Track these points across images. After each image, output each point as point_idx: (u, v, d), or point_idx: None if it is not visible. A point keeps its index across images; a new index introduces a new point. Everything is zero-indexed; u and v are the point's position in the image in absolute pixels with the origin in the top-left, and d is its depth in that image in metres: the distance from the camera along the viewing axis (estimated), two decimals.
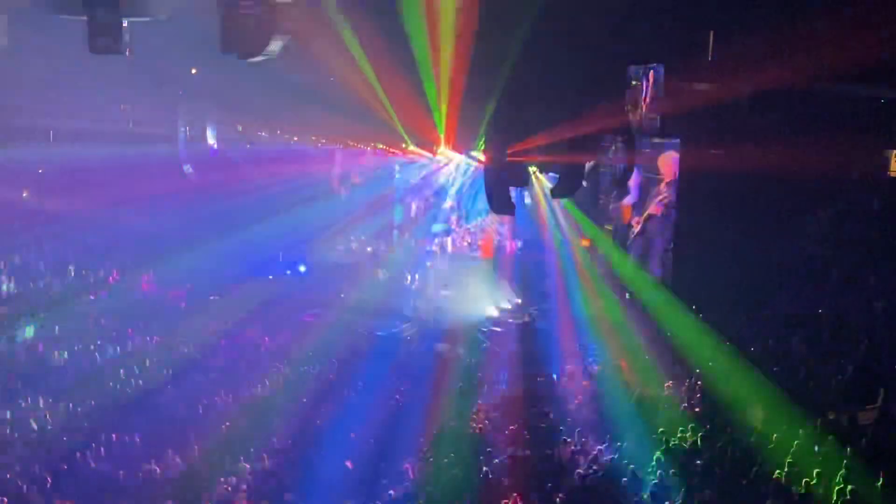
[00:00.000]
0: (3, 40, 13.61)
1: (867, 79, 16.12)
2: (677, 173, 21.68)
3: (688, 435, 15.54)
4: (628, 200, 24.24)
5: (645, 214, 23.44)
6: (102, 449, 16.93)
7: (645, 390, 18.48)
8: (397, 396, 19.63)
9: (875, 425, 14.79)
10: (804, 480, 12.87)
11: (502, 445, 16.27)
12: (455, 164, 27.87)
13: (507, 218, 27.42)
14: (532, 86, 12.61)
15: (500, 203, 14.64)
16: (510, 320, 25.98)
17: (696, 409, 16.96)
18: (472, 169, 27.23)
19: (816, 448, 13.81)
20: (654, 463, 14.40)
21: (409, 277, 29.40)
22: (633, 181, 22.81)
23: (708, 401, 17.08)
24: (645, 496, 13.69)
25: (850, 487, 12.33)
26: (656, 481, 13.79)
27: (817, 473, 12.88)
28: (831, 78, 15.04)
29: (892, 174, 18.57)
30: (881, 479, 12.41)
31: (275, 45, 12.44)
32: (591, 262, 25.93)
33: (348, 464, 15.54)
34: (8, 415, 18.91)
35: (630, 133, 17.79)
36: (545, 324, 25.14)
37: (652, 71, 19.88)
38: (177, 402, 19.62)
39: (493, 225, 29.59)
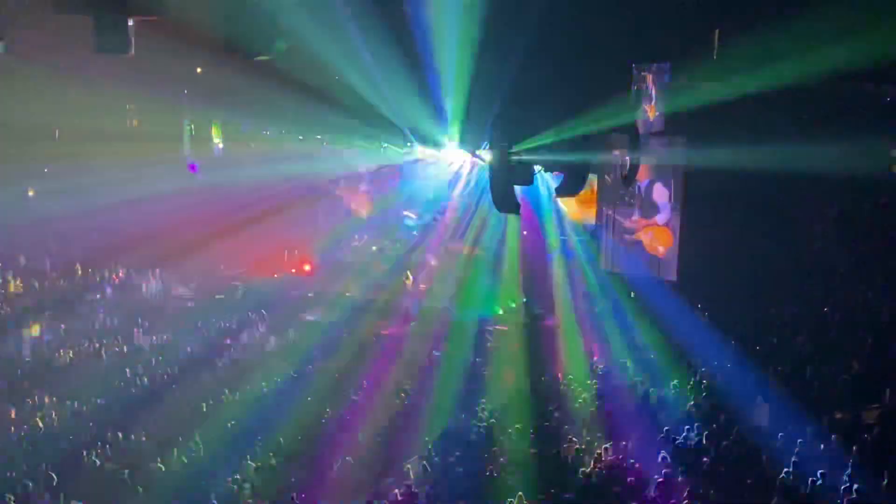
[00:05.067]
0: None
1: (874, 77, 16.11)
2: None
3: (693, 434, 15.53)
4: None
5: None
6: (108, 447, 16.99)
7: (650, 389, 18.47)
8: (402, 395, 19.64)
9: (880, 424, 14.79)
10: (809, 479, 12.86)
11: (506, 444, 16.27)
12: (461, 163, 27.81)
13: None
14: (537, 84, 12.61)
15: (504, 202, 14.64)
16: (515, 319, 25.97)
17: (702, 408, 16.95)
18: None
19: (822, 447, 13.80)
20: (658, 462, 14.40)
21: (408, 276, 29.42)
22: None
23: (713, 400, 17.07)
24: (650, 495, 13.69)
25: (855, 486, 12.32)
26: (661, 480, 13.79)
27: (822, 473, 12.87)
28: (838, 77, 15.02)
29: None
30: (886, 478, 12.41)
31: (280, 45, 12.47)
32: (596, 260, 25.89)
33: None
34: (14, 413, 18.97)
35: (635, 132, 17.78)
36: (550, 322, 25.14)
37: (657, 69, 19.86)
38: (182, 400, 19.65)
39: None
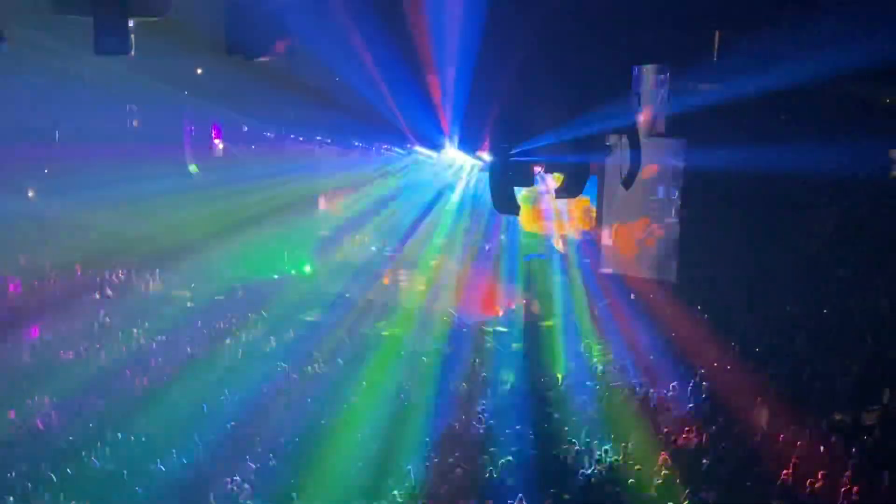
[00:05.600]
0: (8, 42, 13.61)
1: (873, 79, 16.12)
2: None
3: (692, 435, 15.53)
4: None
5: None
6: (108, 448, 17.00)
7: (650, 390, 18.47)
8: (402, 396, 19.64)
9: (880, 425, 14.78)
10: (809, 481, 12.86)
11: (506, 445, 16.27)
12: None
13: None
14: (538, 86, 12.61)
15: (504, 204, 14.65)
16: (514, 320, 25.96)
17: (701, 410, 16.95)
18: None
19: (821, 448, 13.79)
20: (658, 463, 14.40)
21: (403, 276, 29.44)
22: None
23: (713, 401, 17.07)
24: (650, 496, 13.69)
25: (855, 488, 12.32)
26: (661, 482, 13.79)
27: (823, 474, 12.87)
28: (837, 78, 15.03)
29: None
30: (886, 480, 12.41)
31: (280, 46, 12.45)
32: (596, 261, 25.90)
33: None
34: (13, 414, 18.96)
35: (636, 133, 17.80)
36: (550, 323, 25.12)
37: (657, 71, 19.87)
38: (182, 401, 19.65)
39: None
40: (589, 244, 26.80)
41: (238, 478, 15.43)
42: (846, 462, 13.22)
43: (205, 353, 23.35)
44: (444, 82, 15.03)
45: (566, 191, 16.91)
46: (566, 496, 13.90)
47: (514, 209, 15.05)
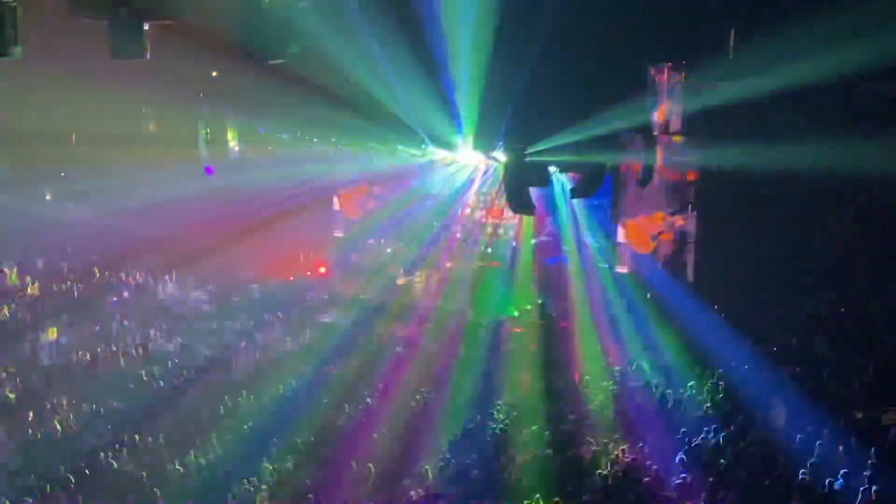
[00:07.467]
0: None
1: (890, 77, 16.01)
2: None
3: (710, 435, 15.45)
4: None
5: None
6: (125, 450, 17.08)
7: (667, 391, 18.39)
8: (417, 397, 19.64)
9: None
10: (828, 481, 12.78)
11: (522, 446, 16.24)
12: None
13: None
14: (552, 85, 12.60)
15: (519, 203, 14.65)
16: (530, 320, 25.91)
17: (719, 410, 16.86)
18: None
19: (840, 448, 13.70)
20: (675, 464, 14.33)
21: (418, 277, 29.46)
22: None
23: (731, 401, 16.97)
24: (667, 497, 13.63)
25: (874, 488, 12.23)
26: (679, 482, 13.72)
27: (844, 472, 12.79)
28: (854, 76, 14.95)
29: None
30: None
31: (295, 48, 12.50)
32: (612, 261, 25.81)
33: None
34: (32, 416, 19.08)
35: (651, 132, 17.75)
36: (566, 324, 25.06)
37: (672, 69, 19.79)
38: (199, 402, 19.72)
39: None
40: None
41: (255, 478, 15.47)
42: (865, 462, 13.12)
43: (221, 355, 23.44)
44: (458, 83, 15.05)
45: (581, 190, 16.90)
46: (583, 497, 13.84)
47: (529, 209, 15.06)
